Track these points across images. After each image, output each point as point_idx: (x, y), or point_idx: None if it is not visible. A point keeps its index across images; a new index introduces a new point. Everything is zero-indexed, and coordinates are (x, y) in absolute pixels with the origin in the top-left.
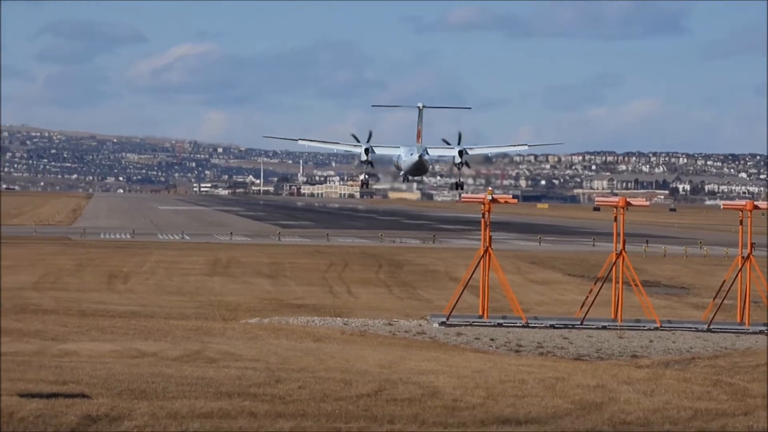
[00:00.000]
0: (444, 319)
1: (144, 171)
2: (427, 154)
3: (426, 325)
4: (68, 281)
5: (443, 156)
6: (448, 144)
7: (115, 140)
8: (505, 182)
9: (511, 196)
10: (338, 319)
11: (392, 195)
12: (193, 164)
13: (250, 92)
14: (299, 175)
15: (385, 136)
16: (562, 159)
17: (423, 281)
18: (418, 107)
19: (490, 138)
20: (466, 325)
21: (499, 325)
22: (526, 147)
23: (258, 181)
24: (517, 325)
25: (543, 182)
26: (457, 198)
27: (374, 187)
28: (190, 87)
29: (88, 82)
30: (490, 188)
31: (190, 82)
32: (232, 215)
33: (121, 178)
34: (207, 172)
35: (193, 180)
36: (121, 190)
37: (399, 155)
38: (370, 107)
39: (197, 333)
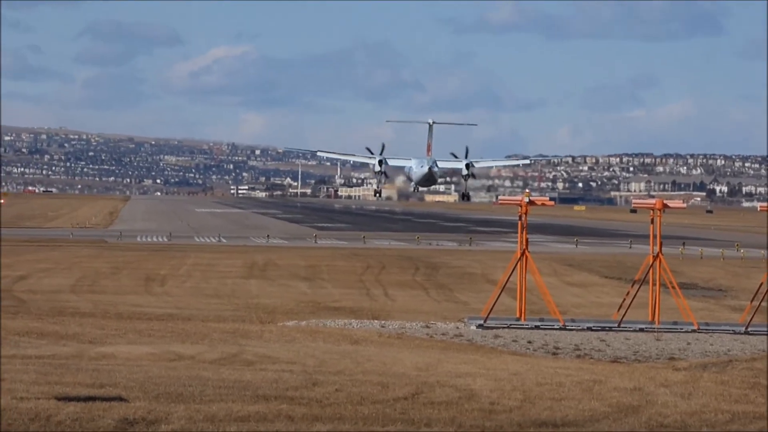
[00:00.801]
0: (481, 322)
1: (181, 173)
2: (437, 166)
3: (463, 327)
4: (105, 284)
5: (452, 168)
6: (456, 157)
7: (152, 142)
8: (543, 184)
9: (548, 198)
10: (375, 321)
11: (429, 197)
12: (231, 166)
13: (288, 94)
14: (337, 177)
15: (416, 143)
16: (600, 160)
17: (460, 284)
18: (429, 123)
19: (528, 141)
20: (503, 328)
21: (537, 327)
22: (528, 161)
23: (295, 184)
24: (555, 327)
25: (580, 184)
26: (495, 200)
27: (420, 190)
28: (227, 89)
29: (126, 84)
30: (527, 190)
31: (227, 84)
32: (269, 218)
33: (158, 181)
34: (244, 174)
35: (230, 182)
36: (159, 193)
37: (410, 167)
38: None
39: (234, 336)
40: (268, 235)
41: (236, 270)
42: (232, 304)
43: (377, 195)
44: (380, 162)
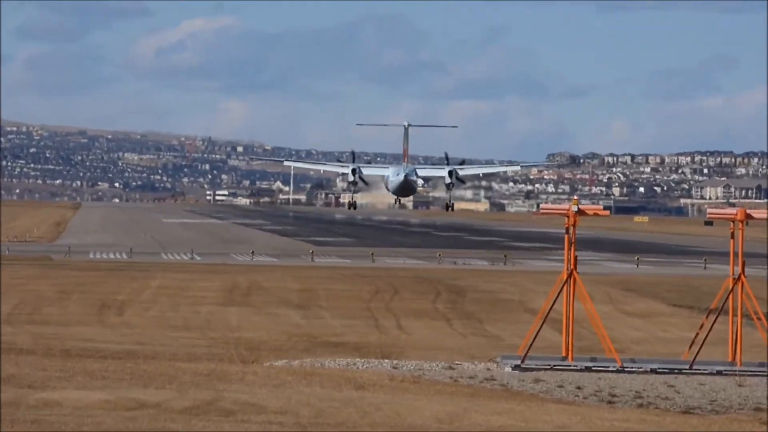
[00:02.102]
0: (518, 362)
1: (145, 175)
2: (416, 174)
3: (496, 368)
4: (49, 312)
5: (432, 176)
6: (447, 161)
7: (110, 137)
8: (595, 189)
9: (601, 206)
10: (386, 360)
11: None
12: (207, 167)
13: (278, 77)
14: (338, 180)
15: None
16: (666, 160)
17: (491, 313)
18: (404, 126)
19: (577, 136)
20: (545, 369)
21: (588, 369)
22: (518, 168)
23: (287, 188)
24: (610, 369)
25: (641, 189)
26: (535, 209)
27: (432, 195)
28: (203, 70)
29: (78, 65)
30: (575, 197)
31: (203, 64)
32: (254, 230)
33: (117, 184)
34: (224, 176)
35: (206, 186)
36: (117, 199)
37: (387, 176)
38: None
39: (210, 378)
40: (252, 252)
41: (212, 295)
42: (207, 339)
43: (351, 207)
44: (353, 171)
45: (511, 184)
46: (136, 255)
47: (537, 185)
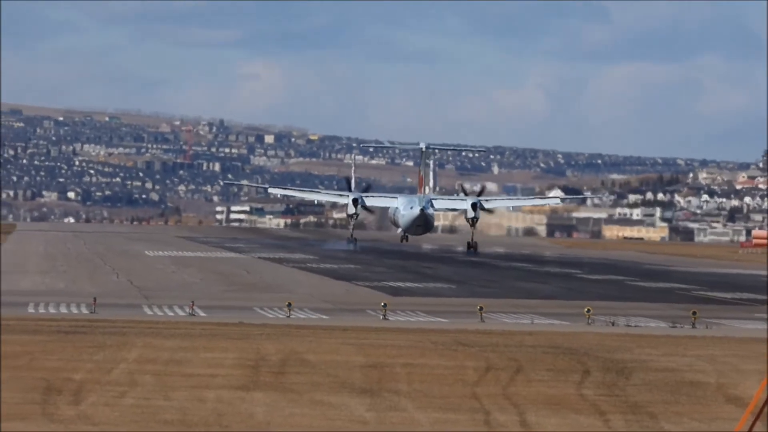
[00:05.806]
0: None
1: (117, 180)
2: (432, 207)
3: None
4: None
5: (452, 209)
6: (464, 192)
7: (60, 118)
8: None
9: None
10: None
11: (611, 231)
12: (216, 167)
13: (332, 25)
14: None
15: None
16: None
17: (672, 404)
18: (421, 149)
19: None
20: None
21: None
22: (557, 200)
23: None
24: None
25: None
26: (744, 238)
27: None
28: (211, 14)
29: (15, 8)
30: None
31: (212, 4)
32: (291, 268)
33: (71, 195)
34: (244, 181)
35: (215, 198)
36: (71, 219)
37: (396, 208)
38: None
39: None
40: (289, 304)
41: (225, 373)
42: None
43: (352, 242)
44: (355, 201)
45: (705, 197)
46: (102, 309)
47: (747, 199)
